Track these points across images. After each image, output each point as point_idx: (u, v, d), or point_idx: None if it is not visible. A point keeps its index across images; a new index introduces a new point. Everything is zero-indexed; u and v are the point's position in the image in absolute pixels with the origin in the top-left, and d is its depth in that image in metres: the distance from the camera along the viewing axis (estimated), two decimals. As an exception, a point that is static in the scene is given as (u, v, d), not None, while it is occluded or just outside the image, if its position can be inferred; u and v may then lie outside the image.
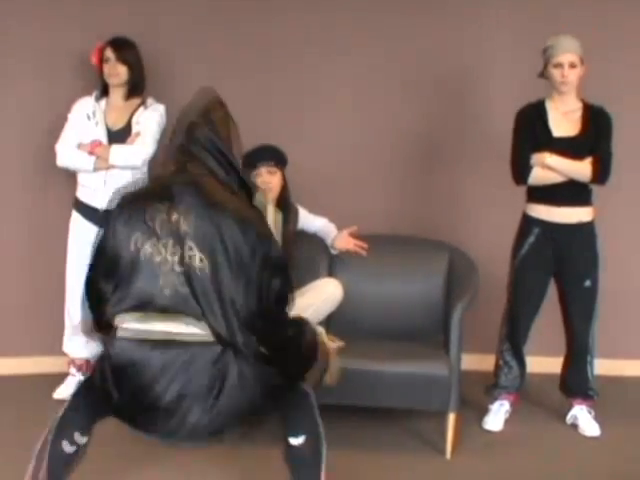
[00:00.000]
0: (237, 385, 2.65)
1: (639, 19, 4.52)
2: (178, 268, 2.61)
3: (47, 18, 4.48)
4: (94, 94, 4.21)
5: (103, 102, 4.20)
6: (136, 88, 4.19)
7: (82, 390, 2.92)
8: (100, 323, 2.79)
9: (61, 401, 4.26)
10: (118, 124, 4.16)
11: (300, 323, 2.93)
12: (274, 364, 2.74)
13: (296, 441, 2.83)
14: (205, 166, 2.77)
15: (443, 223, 4.62)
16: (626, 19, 4.52)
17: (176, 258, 2.60)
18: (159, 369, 2.64)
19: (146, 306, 2.65)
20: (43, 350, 4.65)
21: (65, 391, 4.37)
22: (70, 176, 4.23)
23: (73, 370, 4.43)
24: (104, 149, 4.07)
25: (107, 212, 2.83)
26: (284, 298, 2.74)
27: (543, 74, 3.89)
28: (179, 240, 2.60)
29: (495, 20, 4.57)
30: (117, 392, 2.72)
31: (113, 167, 4.08)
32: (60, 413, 2.86)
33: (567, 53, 3.78)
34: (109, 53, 4.12)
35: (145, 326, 2.68)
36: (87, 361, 4.44)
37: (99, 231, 2.78)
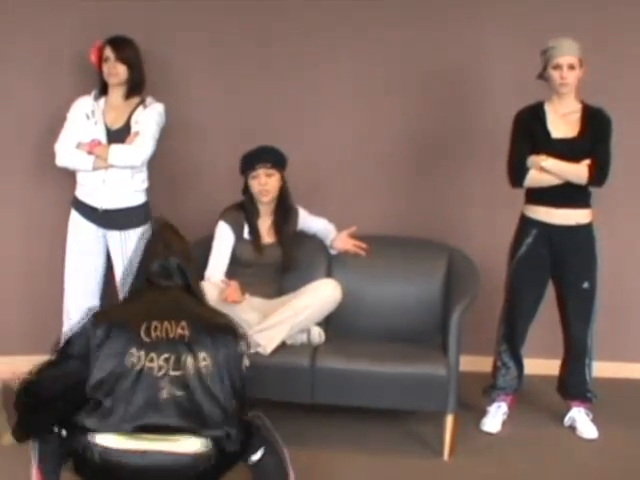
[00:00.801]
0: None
1: (638, 21, 4.50)
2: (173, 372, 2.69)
3: (46, 18, 4.47)
4: (93, 93, 4.18)
5: (102, 101, 4.17)
6: (135, 87, 4.15)
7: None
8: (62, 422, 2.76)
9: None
10: (117, 123, 4.13)
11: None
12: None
13: (255, 457, 2.89)
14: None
15: (442, 224, 4.62)
16: (626, 21, 4.51)
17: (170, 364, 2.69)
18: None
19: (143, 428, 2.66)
20: (41, 349, 4.63)
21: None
22: (69, 175, 4.21)
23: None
24: (103, 149, 4.04)
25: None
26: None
27: (542, 75, 3.88)
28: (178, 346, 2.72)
29: (495, 21, 4.56)
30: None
31: (112, 166, 4.05)
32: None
33: (566, 55, 3.77)
34: (108, 52, 4.09)
35: (135, 445, 2.67)
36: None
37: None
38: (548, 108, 3.90)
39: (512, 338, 4.08)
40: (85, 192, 4.15)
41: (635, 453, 3.89)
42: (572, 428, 4.08)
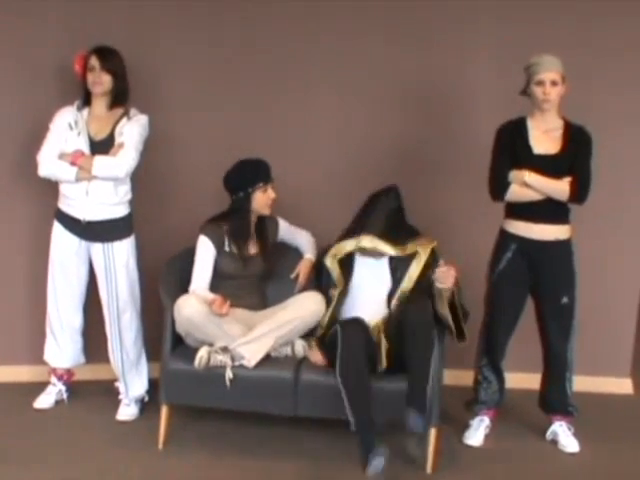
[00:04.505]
0: None
1: (621, 38, 4.55)
2: None
3: (28, 29, 4.44)
4: (76, 103, 4.14)
5: (85, 111, 4.12)
6: (120, 97, 4.11)
7: None
8: None
9: (42, 410, 4.29)
10: (101, 134, 4.09)
11: None
12: None
13: None
14: None
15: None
16: (609, 38, 4.56)
17: None
18: None
19: None
20: (23, 359, 4.63)
21: (46, 400, 4.36)
22: (51, 186, 4.17)
23: (54, 379, 4.41)
24: (86, 160, 4.00)
25: None
26: None
27: (525, 91, 3.92)
28: None
29: (479, 35, 4.58)
30: None
31: (95, 178, 4.01)
32: None
33: (549, 71, 3.81)
34: (94, 61, 4.04)
35: None
36: (68, 370, 4.43)
37: None
38: (530, 124, 3.93)
39: (492, 352, 4.10)
40: (68, 203, 4.10)
41: (616, 466, 3.91)
42: (554, 442, 4.10)
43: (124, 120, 4.11)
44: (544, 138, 3.90)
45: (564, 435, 4.08)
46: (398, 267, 4.02)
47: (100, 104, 4.12)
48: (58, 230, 4.18)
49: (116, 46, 4.12)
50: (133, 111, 4.15)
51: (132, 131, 4.08)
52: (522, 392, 4.40)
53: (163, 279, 4.05)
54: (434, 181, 4.74)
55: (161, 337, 3.92)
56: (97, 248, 4.15)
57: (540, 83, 3.83)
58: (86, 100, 4.13)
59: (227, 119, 4.65)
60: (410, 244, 4.01)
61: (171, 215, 4.68)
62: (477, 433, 4.09)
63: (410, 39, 4.62)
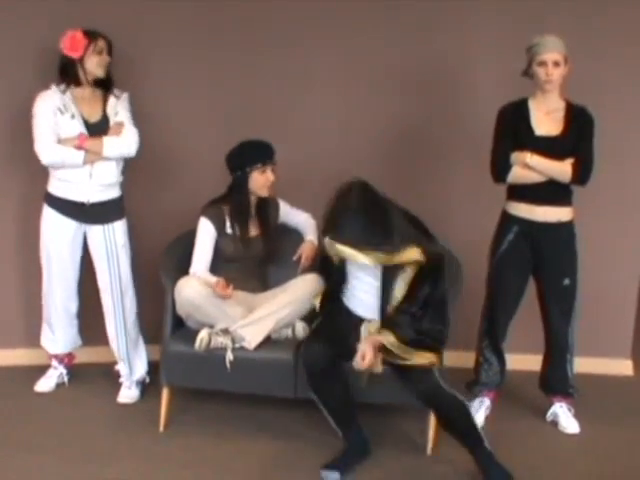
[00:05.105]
0: None
1: (622, 20, 4.52)
2: None
3: (7, 9, 4.36)
4: (58, 87, 4.03)
5: (68, 94, 4.03)
6: (110, 79, 4.09)
7: None
8: None
9: (43, 394, 4.29)
10: (94, 116, 4.05)
11: None
12: None
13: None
14: None
15: (425, 220, 4.60)
16: (610, 20, 4.53)
17: None
18: None
19: None
20: (22, 342, 4.63)
21: (47, 384, 4.36)
22: (38, 168, 4.07)
23: (55, 363, 4.41)
24: (95, 143, 3.97)
25: None
26: None
27: (527, 72, 3.89)
28: None
29: (480, 17, 4.55)
30: None
31: (99, 160, 3.99)
32: None
33: (551, 52, 3.78)
34: (102, 44, 3.99)
35: None
36: (69, 353, 4.43)
37: None
38: (532, 105, 3.91)
39: (493, 334, 4.10)
40: (67, 188, 4.05)
41: (617, 448, 3.92)
42: (554, 423, 4.11)
43: (112, 99, 4.10)
44: (546, 119, 3.88)
45: (564, 416, 4.09)
46: (388, 274, 3.66)
47: (87, 86, 4.06)
48: (51, 215, 4.12)
49: (105, 25, 4.06)
50: (117, 90, 4.14)
51: (125, 110, 4.11)
52: (523, 374, 4.40)
53: (163, 261, 4.05)
54: (436, 164, 4.72)
55: (161, 320, 3.92)
56: (96, 230, 4.14)
57: (542, 64, 3.80)
58: (72, 82, 4.03)
59: (226, 101, 4.63)
60: (398, 253, 3.55)
61: (171, 198, 4.67)
62: (477, 414, 4.09)
63: (411, 23, 4.59)
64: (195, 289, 3.77)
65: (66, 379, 4.41)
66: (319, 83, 4.66)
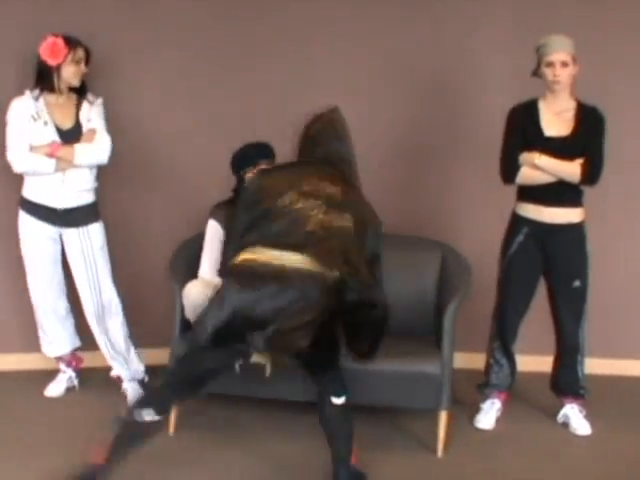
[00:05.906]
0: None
1: (634, 18, 4.51)
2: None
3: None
4: (31, 94, 4.02)
5: (41, 100, 4.02)
6: (84, 86, 4.08)
7: None
8: None
9: (52, 399, 4.29)
10: (67, 123, 4.04)
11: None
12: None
13: (338, 400, 3.33)
14: None
15: (436, 222, 4.62)
16: (621, 18, 4.51)
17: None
18: None
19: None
20: (28, 347, 4.62)
21: (57, 388, 4.36)
22: (9, 178, 4.10)
23: (63, 366, 4.41)
24: (67, 150, 3.96)
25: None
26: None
27: (536, 73, 3.88)
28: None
29: (490, 17, 4.56)
30: None
31: (71, 167, 3.99)
32: None
33: (559, 52, 3.76)
34: (81, 53, 3.97)
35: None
36: (73, 354, 4.43)
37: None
38: (542, 106, 3.90)
39: (504, 335, 4.09)
40: (41, 194, 4.05)
41: (628, 449, 3.90)
42: (565, 425, 4.09)
43: (86, 105, 4.09)
44: (556, 120, 3.87)
45: (576, 418, 4.08)
46: None
47: (61, 93, 4.04)
48: (27, 220, 4.12)
49: (88, 30, 4.06)
50: (91, 96, 4.13)
51: (99, 116, 4.10)
52: (533, 375, 4.39)
53: (172, 265, 4.04)
54: (445, 164, 4.72)
55: (170, 323, 3.92)
56: (71, 234, 4.14)
57: (550, 64, 3.79)
58: (47, 88, 4.01)
59: (227, 103, 4.61)
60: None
61: (177, 203, 4.68)
62: (488, 416, 4.09)
63: (419, 20, 4.59)
64: (202, 293, 3.75)
65: (76, 382, 4.41)
66: (325, 90, 4.59)
